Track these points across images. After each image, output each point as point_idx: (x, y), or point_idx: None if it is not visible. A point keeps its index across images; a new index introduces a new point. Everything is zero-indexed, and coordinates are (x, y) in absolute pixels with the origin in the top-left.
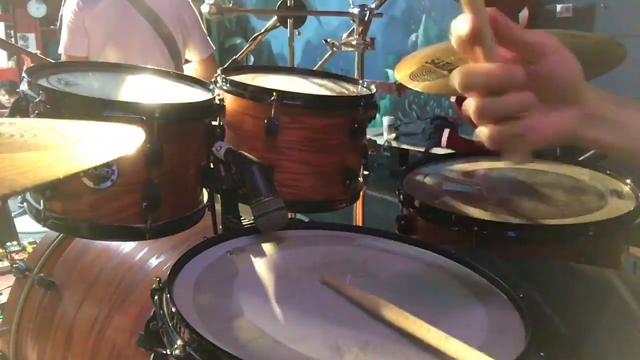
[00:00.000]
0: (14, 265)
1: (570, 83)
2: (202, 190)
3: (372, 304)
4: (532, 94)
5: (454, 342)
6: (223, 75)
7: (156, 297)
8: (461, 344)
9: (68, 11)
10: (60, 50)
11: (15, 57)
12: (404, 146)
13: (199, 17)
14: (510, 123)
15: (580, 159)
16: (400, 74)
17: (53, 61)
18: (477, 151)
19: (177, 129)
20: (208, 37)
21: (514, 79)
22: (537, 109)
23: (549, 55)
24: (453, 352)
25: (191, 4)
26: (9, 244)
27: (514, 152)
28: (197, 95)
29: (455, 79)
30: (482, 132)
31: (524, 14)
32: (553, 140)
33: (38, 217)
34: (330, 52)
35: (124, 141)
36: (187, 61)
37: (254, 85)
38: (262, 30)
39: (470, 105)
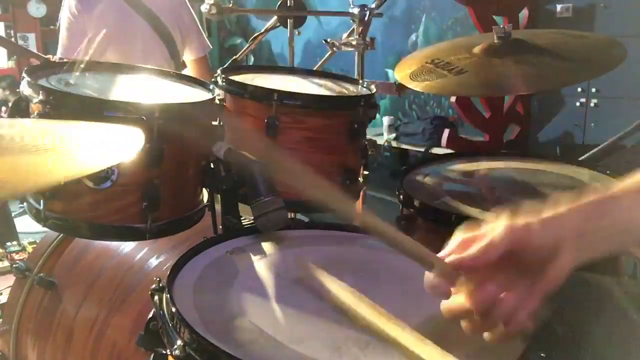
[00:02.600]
0: (14, 265)
1: (543, 252)
2: (202, 190)
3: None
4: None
5: (429, 346)
6: (223, 75)
7: (156, 297)
8: (436, 348)
9: (66, 14)
10: (59, 53)
11: (15, 56)
12: (404, 146)
13: (196, 17)
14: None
15: (580, 159)
16: (400, 74)
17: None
18: (477, 151)
19: (177, 129)
20: (205, 38)
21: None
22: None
23: (514, 248)
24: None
25: (188, 3)
26: (9, 244)
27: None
28: (197, 95)
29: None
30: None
31: (524, 14)
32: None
33: (38, 217)
34: (330, 52)
35: (124, 144)
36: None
37: (254, 85)
38: (262, 30)
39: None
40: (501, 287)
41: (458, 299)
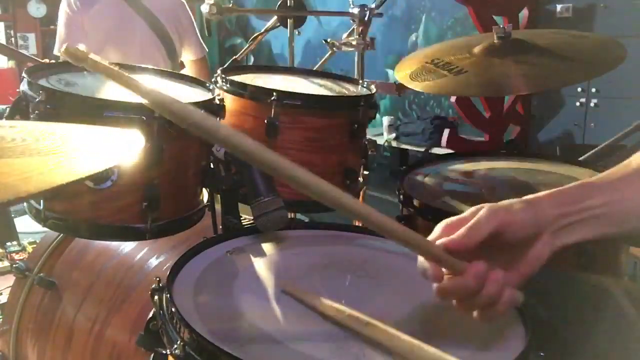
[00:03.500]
0: (14, 265)
1: (524, 232)
2: (202, 190)
3: (335, 313)
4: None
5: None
6: (223, 75)
7: (156, 297)
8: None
9: (64, 13)
10: (57, 51)
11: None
12: (404, 146)
13: (193, 18)
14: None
15: (580, 159)
16: (400, 74)
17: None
18: (477, 151)
19: (177, 129)
20: (201, 39)
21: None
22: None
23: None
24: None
25: (185, 4)
26: (9, 244)
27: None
28: (197, 95)
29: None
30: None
31: (524, 14)
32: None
33: (38, 217)
34: (330, 52)
35: (124, 144)
36: (182, 63)
37: (254, 85)
38: (262, 30)
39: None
40: (488, 266)
41: (450, 280)
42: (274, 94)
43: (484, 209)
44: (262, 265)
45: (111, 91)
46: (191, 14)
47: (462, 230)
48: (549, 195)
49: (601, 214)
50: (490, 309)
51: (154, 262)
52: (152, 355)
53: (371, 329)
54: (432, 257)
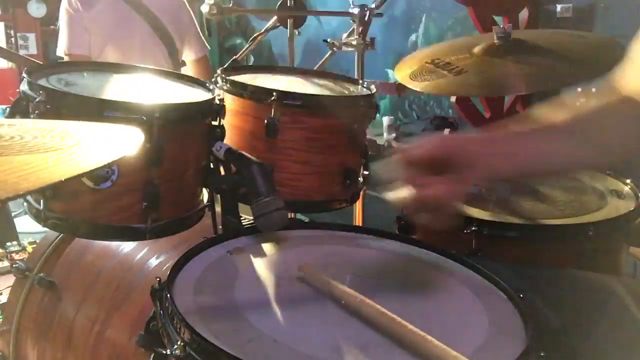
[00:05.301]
0: (14, 265)
1: (462, 159)
2: (202, 190)
3: (351, 300)
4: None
5: (433, 343)
6: (223, 75)
7: (156, 297)
8: (439, 345)
9: (66, 12)
10: (60, 51)
11: None
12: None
13: (194, 17)
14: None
15: None
16: (400, 74)
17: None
18: None
19: (177, 129)
20: (203, 38)
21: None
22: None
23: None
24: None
25: (186, 3)
26: (9, 244)
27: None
28: (197, 95)
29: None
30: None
31: (524, 14)
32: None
33: (38, 217)
34: (330, 52)
35: (124, 142)
36: (183, 62)
37: (254, 85)
38: (262, 30)
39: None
40: (436, 179)
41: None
42: (274, 94)
43: (434, 136)
44: (262, 265)
45: (111, 91)
46: (192, 13)
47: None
48: (487, 136)
49: (525, 159)
50: (436, 215)
51: (154, 262)
52: (152, 355)
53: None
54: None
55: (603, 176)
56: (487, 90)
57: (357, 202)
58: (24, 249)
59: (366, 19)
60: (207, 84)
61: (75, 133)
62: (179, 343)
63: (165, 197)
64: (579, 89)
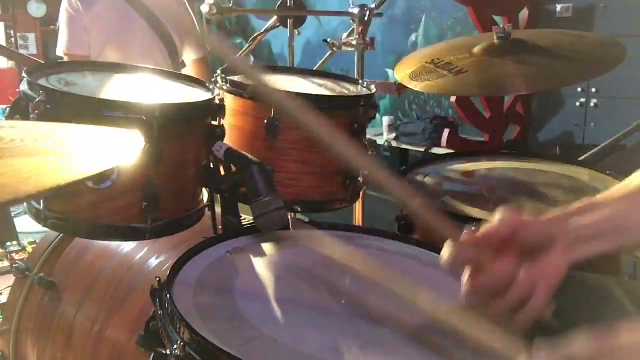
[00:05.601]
0: (14, 265)
1: (536, 243)
2: (202, 190)
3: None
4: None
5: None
6: (223, 75)
7: (156, 297)
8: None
9: (66, 12)
10: (60, 51)
11: None
12: (404, 146)
13: (194, 18)
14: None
15: (580, 159)
16: (400, 74)
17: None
18: (477, 151)
19: (177, 129)
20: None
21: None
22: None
23: (519, 232)
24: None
25: (187, 3)
26: (9, 244)
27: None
28: (197, 95)
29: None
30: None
31: (524, 14)
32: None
33: (38, 217)
34: (330, 52)
35: (124, 145)
36: (183, 63)
37: (254, 85)
38: (262, 30)
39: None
40: (513, 266)
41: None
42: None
43: (500, 214)
44: (262, 265)
45: (111, 91)
46: (192, 13)
47: (481, 230)
48: (559, 214)
49: (610, 228)
50: (520, 312)
51: (154, 262)
52: (152, 355)
53: None
54: (456, 251)
55: (603, 176)
56: (487, 90)
57: (357, 202)
58: (24, 249)
59: (366, 19)
60: (207, 84)
61: (75, 136)
62: (178, 343)
63: (165, 197)
64: (579, 89)
